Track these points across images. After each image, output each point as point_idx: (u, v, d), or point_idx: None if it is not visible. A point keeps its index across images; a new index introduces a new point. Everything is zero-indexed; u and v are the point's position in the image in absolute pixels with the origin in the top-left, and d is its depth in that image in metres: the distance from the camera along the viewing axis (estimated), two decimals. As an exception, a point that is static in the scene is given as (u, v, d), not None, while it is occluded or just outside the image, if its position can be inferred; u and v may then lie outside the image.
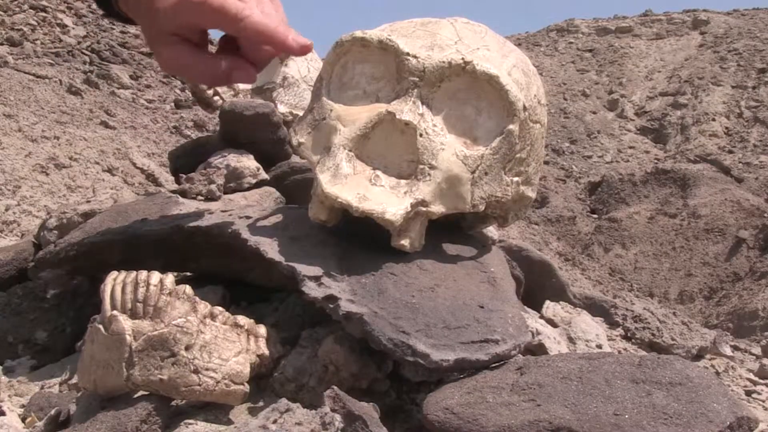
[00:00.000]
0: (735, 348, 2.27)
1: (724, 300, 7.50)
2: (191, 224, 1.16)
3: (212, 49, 0.99)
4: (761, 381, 1.79)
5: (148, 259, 1.21)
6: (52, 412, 0.97)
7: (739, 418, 0.77)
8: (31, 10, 6.26)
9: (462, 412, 0.82)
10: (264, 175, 1.66)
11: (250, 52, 0.95)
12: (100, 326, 0.87)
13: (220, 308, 0.92)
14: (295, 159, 1.75)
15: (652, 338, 1.79)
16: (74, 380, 1.12)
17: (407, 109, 1.03)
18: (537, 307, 1.52)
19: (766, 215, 8.49)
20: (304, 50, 0.92)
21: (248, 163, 1.64)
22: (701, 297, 7.92)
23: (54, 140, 4.38)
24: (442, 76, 1.04)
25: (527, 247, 1.63)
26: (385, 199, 0.99)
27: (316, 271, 0.98)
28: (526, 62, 1.15)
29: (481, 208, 1.06)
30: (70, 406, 0.97)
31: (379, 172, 1.03)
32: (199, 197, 1.55)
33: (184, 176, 1.63)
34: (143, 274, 0.88)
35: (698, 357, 1.86)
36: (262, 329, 0.95)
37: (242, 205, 1.45)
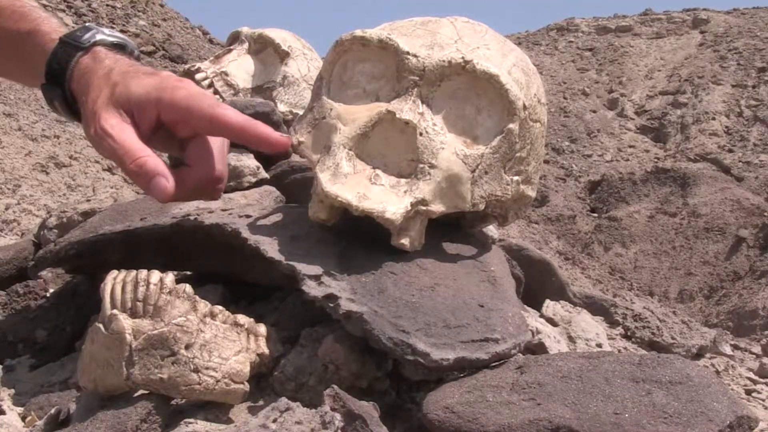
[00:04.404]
0: (735, 347, 2.27)
1: (724, 299, 7.51)
2: (191, 223, 1.16)
3: None
4: (761, 380, 1.80)
5: (148, 257, 1.21)
6: (52, 411, 0.97)
7: (739, 417, 0.77)
8: (30, 9, 6.25)
9: (462, 411, 0.82)
10: (264, 174, 1.65)
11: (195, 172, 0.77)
12: (100, 325, 0.87)
13: (220, 307, 0.92)
14: (295, 158, 1.75)
15: (652, 337, 1.79)
16: (74, 379, 1.12)
17: (407, 108, 1.03)
18: (537, 306, 1.52)
19: (766, 214, 8.49)
20: (286, 144, 0.78)
21: (248, 161, 1.64)
22: (701, 296, 7.93)
23: (54, 139, 4.38)
24: (442, 75, 1.04)
25: (527, 246, 1.63)
26: (384, 198, 0.99)
27: (316, 270, 0.98)
28: (526, 61, 1.15)
29: (481, 207, 1.06)
30: (70, 405, 0.97)
31: (379, 171, 1.02)
32: (199, 196, 1.55)
33: (184, 175, 1.62)
34: (143, 273, 0.88)
35: (698, 356, 1.86)
36: (262, 328, 0.95)
37: (242, 204, 1.44)
